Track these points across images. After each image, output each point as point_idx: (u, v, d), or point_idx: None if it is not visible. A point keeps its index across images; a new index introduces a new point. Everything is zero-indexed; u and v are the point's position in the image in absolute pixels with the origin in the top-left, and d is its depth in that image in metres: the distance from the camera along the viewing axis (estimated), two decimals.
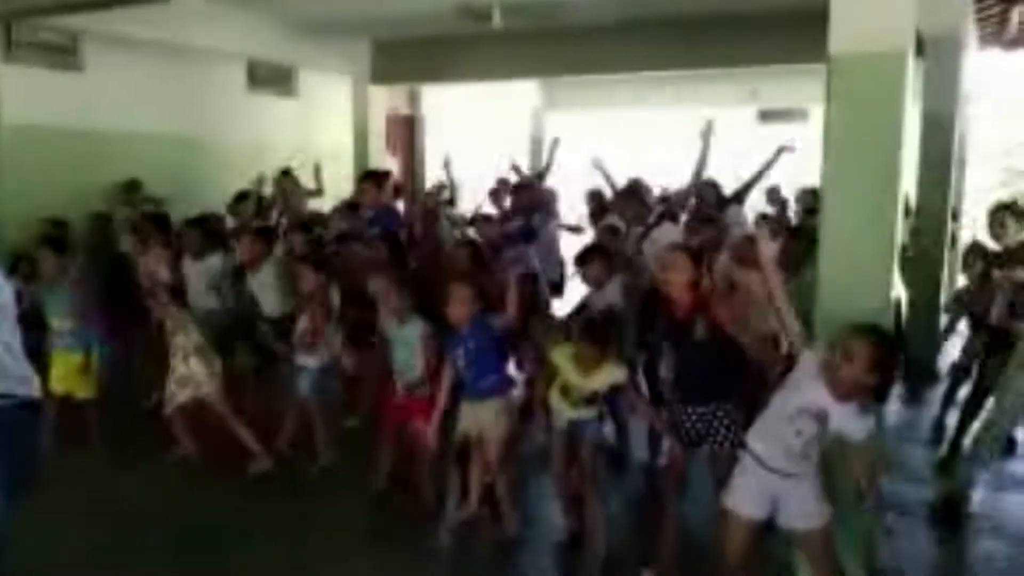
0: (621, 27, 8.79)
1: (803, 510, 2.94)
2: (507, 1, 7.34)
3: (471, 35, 9.21)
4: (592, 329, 3.68)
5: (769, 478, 2.93)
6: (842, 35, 3.47)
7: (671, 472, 3.59)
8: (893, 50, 3.40)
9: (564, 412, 3.76)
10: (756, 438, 3.01)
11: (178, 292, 4.91)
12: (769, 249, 3.14)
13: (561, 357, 3.75)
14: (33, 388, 2.67)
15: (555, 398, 3.79)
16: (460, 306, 3.89)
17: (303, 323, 4.81)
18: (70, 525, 4.13)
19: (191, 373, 4.72)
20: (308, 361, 4.80)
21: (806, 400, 2.82)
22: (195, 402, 4.77)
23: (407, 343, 4.31)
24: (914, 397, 6.09)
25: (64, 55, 8.09)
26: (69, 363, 4.93)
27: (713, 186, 6.48)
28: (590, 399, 3.71)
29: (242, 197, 7.39)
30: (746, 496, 2.98)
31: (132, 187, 8.28)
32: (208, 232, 5.82)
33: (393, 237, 5.56)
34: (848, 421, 2.80)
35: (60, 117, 7.87)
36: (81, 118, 8.09)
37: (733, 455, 3.35)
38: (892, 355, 2.84)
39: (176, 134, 9.00)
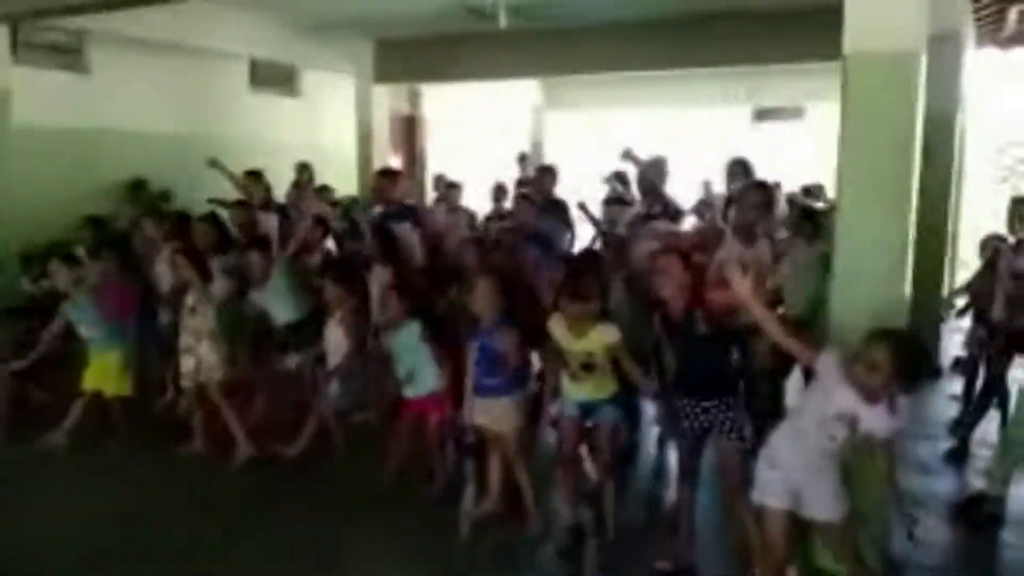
0: (621, 26, 8.85)
1: (825, 502, 3.02)
2: (511, 0, 7.38)
3: (473, 34, 9.26)
4: (567, 284, 3.78)
5: (794, 473, 3.00)
6: (856, 35, 3.53)
7: (681, 465, 3.66)
8: (906, 49, 3.46)
9: (572, 392, 3.81)
10: (784, 439, 3.07)
11: (206, 270, 4.94)
12: (744, 287, 3.12)
13: (555, 326, 3.81)
14: None
15: (563, 381, 3.84)
16: (483, 298, 3.89)
17: (332, 336, 4.80)
18: (79, 518, 4.18)
19: (202, 356, 4.79)
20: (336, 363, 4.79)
21: (839, 407, 2.88)
22: (199, 387, 4.85)
23: (410, 345, 4.31)
24: (916, 392, 6.18)
25: (70, 56, 8.13)
26: (101, 362, 5.01)
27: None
28: (588, 365, 3.73)
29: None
30: (776, 489, 3.04)
31: (138, 186, 8.32)
32: (221, 229, 5.83)
33: (388, 235, 5.57)
34: (877, 422, 2.87)
35: (67, 117, 7.91)
36: (87, 118, 8.13)
37: (738, 448, 3.48)
38: (916, 355, 2.89)
39: (180, 133, 9.03)
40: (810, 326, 4.88)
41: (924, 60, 3.51)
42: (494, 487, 4.05)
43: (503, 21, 7.54)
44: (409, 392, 4.36)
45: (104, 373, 5.02)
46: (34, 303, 6.06)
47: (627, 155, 7.27)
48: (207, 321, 4.82)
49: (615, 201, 7.24)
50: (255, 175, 7.20)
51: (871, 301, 3.50)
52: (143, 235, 6.12)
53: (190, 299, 4.86)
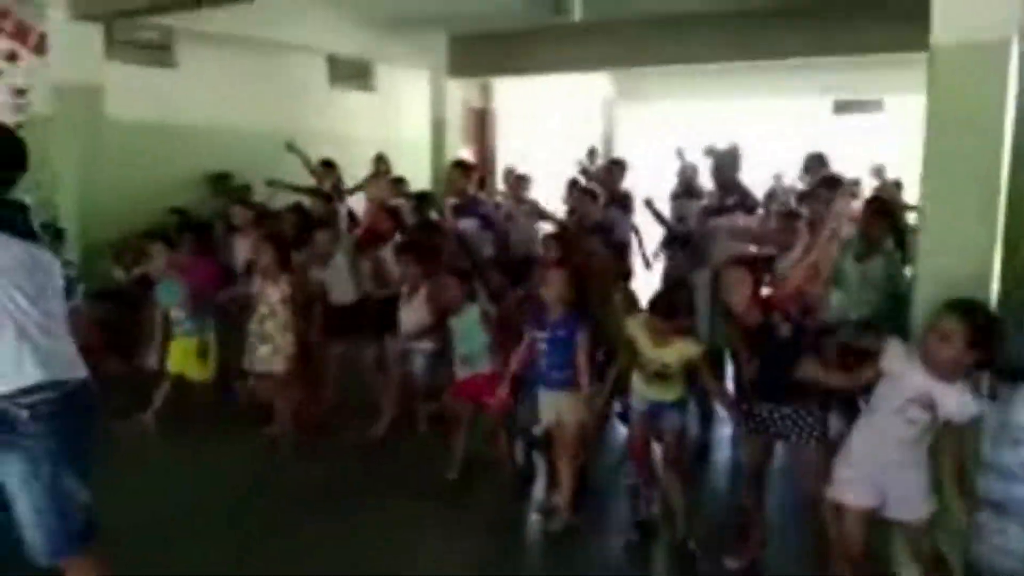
0: (695, 18, 8.75)
1: (911, 500, 2.95)
2: None
3: (546, 28, 9.28)
4: (660, 301, 3.74)
5: (876, 470, 2.95)
6: (945, 24, 3.43)
7: (750, 466, 3.64)
8: (997, 39, 3.35)
9: (642, 391, 3.79)
10: (860, 435, 3.03)
11: (287, 260, 5.02)
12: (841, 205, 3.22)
13: (635, 327, 3.79)
14: (81, 368, 2.60)
15: (635, 377, 3.82)
16: (552, 288, 3.89)
17: (412, 315, 4.90)
18: (154, 498, 4.31)
19: (279, 345, 4.88)
20: (421, 345, 4.90)
21: (913, 389, 2.83)
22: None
23: (469, 329, 4.40)
24: (1003, 395, 5.96)
25: (159, 52, 8.45)
26: (186, 348, 5.23)
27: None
28: (662, 374, 3.70)
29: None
30: (856, 487, 3.00)
31: (221, 178, 8.60)
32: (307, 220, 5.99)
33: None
34: (955, 403, 2.79)
35: (155, 112, 8.22)
36: (174, 112, 8.44)
37: (816, 449, 3.42)
38: (990, 327, 2.83)
39: (261, 127, 9.28)
40: (882, 328, 4.80)
41: (1016, 50, 3.39)
42: (565, 480, 4.03)
43: (578, 14, 7.52)
44: (465, 371, 4.44)
45: (187, 357, 5.22)
46: (120, 289, 6.34)
47: (679, 154, 7.25)
48: (283, 311, 4.89)
49: (683, 195, 7.20)
50: (329, 165, 7.45)
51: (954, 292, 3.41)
52: (227, 224, 6.34)
53: (269, 288, 4.95)
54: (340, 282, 5.34)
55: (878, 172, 9.43)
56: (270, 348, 4.89)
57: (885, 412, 2.93)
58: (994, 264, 3.48)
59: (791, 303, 3.53)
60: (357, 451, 4.90)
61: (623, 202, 7.02)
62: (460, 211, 5.92)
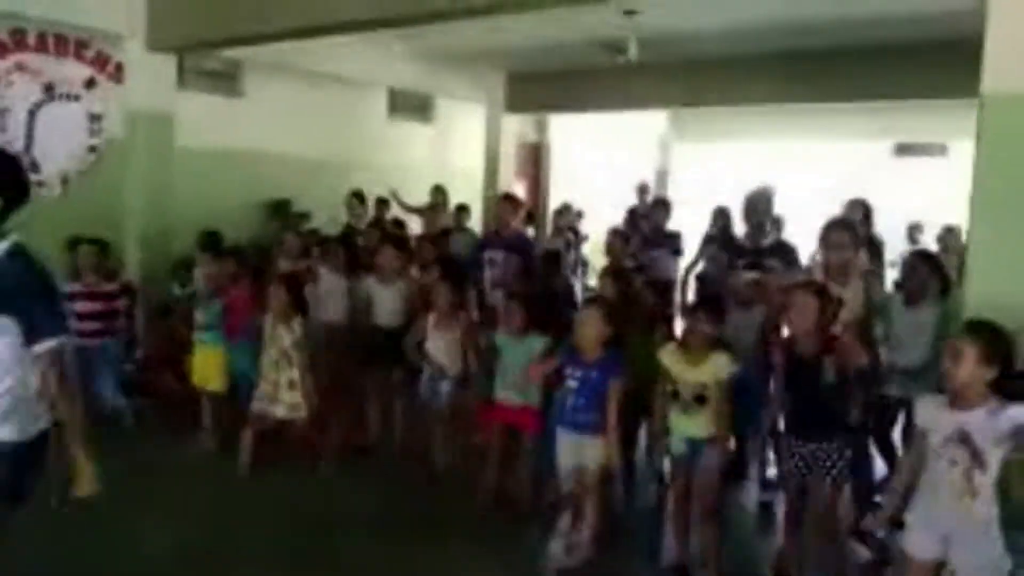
0: (753, 59, 8.78)
1: (976, 560, 2.81)
2: (643, 34, 7.47)
3: (603, 67, 9.41)
4: (702, 304, 3.83)
5: (940, 523, 2.86)
6: (995, 75, 3.44)
7: (788, 506, 3.67)
8: None
9: (681, 427, 3.75)
10: (920, 494, 2.94)
11: (300, 297, 4.95)
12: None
13: (666, 355, 3.81)
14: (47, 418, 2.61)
15: (672, 415, 3.78)
16: (589, 328, 3.79)
17: (443, 342, 4.91)
18: (169, 516, 4.38)
19: (283, 395, 4.82)
20: (445, 371, 4.92)
21: (943, 428, 2.81)
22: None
23: (521, 355, 4.37)
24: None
25: (227, 82, 8.81)
26: (207, 357, 5.38)
27: None
28: (701, 398, 3.68)
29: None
30: (919, 537, 2.92)
31: (281, 206, 8.88)
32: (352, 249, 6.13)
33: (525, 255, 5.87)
34: (986, 427, 2.72)
35: (223, 140, 8.57)
36: (241, 140, 8.77)
37: (835, 491, 3.50)
38: (1000, 341, 2.79)
39: (322, 157, 9.58)
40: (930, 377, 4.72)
41: None
42: (590, 515, 3.93)
43: (634, 54, 7.63)
44: (511, 397, 4.40)
45: (207, 368, 5.35)
46: (177, 305, 6.56)
47: (718, 215, 7.30)
48: (297, 355, 4.80)
49: (711, 240, 7.17)
50: (358, 196, 7.81)
51: None
52: (284, 250, 6.53)
53: (281, 330, 4.82)
54: (386, 305, 5.42)
55: (913, 230, 9.20)
56: (289, 397, 4.82)
57: (929, 463, 2.89)
58: None
59: (854, 353, 3.48)
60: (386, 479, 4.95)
61: (669, 241, 7.05)
62: (491, 242, 6.11)
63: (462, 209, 8.54)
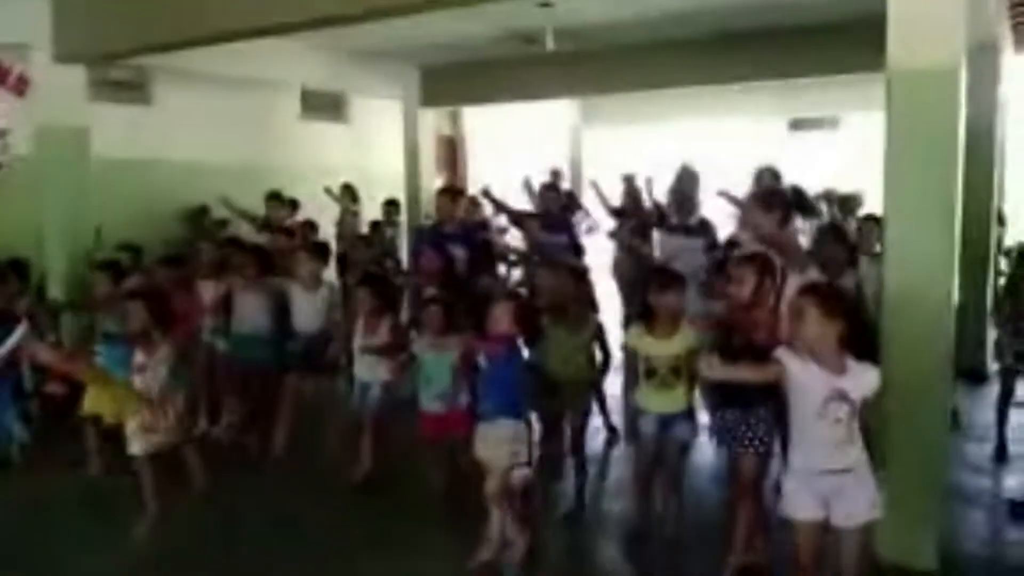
0: (658, 46, 9.05)
1: (853, 508, 2.94)
2: (558, 25, 7.63)
3: (513, 58, 9.56)
4: (660, 276, 3.90)
5: (820, 480, 2.95)
6: (899, 52, 3.72)
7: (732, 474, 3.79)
8: (948, 65, 3.65)
9: (654, 404, 3.82)
10: (798, 452, 3.02)
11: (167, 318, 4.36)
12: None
13: (634, 337, 3.89)
14: None
15: (643, 395, 3.86)
16: (498, 324, 3.83)
17: (370, 339, 4.82)
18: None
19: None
20: (374, 377, 4.84)
21: (823, 388, 2.88)
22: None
23: (441, 362, 4.34)
24: (967, 397, 6.32)
25: (135, 91, 8.57)
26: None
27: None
28: (676, 368, 3.77)
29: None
30: (800, 501, 2.99)
31: (199, 214, 8.71)
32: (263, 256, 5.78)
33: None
34: (863, 382, 2.90)
35: (134, 149, 8.34)
36: (152, 149, 8.56)
37: (757, 459, 3.55)
38: (840, 298, 2.98)
39: (235, 162, 9.42)
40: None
41: (964, 74, 3.69)
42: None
43: (551, 45, 7.78)
44: (435, 406, 4.37)
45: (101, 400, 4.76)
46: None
47: (626, 179, 7.48)
48: (157, 378, 4.23)
49: (622, 214, 7.44)
50: (277, 198, 7.60)
51: (920, 312, 3.68)
52: (199, 259, 6.18)
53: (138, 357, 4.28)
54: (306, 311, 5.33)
55: (827, 196, 9.70)
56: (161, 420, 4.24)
57: (807, 423, 2.94)
58: (954, 274, 3.77)
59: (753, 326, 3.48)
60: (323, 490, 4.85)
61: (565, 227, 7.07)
62: (448, 237, 5.91)
63: (391, 204, 8.54)
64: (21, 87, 7.35)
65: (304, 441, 5.40)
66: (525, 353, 4.07)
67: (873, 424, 3.10)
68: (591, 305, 4.91)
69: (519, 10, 7.06)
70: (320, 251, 5.81)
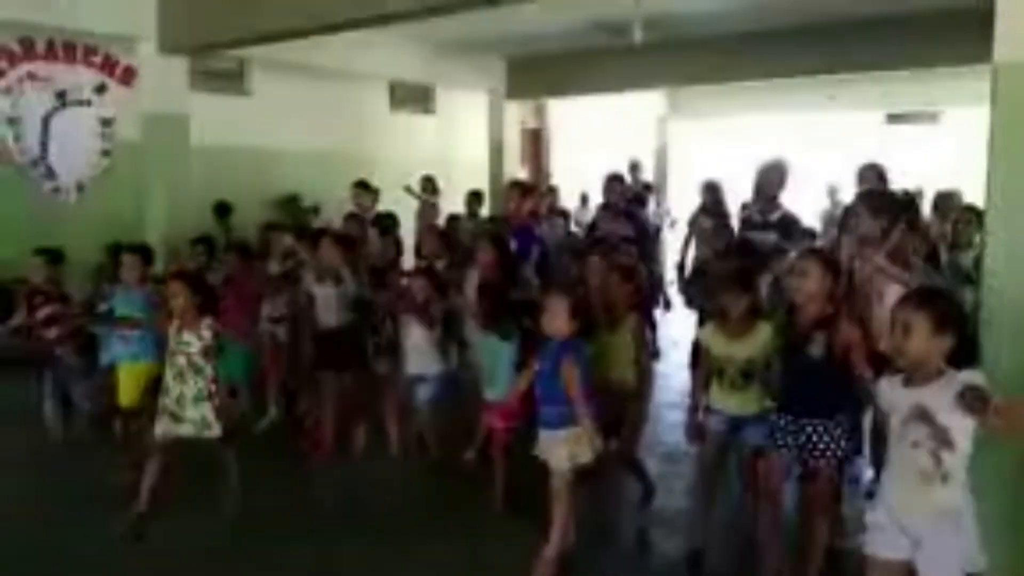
0: (749, 36, 8.90)
1: (942, 557, 2.47)
2: (647, 15, 7.56)
3: (600, 49, 9.51)
4: (737, 275, 3.60)
5: (905, 516, 2.53)
6: (1007, 44, 3.56)
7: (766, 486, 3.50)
8: None
9: (723, 403, 3.60)
10: (887, 483, 2.63)
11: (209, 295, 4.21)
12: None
13: (706, 333, 3.68)
14: None
15: (714, 393, 3.66)
16: (554, 319, 3.51)
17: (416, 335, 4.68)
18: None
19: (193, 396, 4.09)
20: (429, 370, 4.70)
21: (900, 408, 2.53)
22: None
23: (495, 352, 4.24)
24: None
25: (234, 81, 8.90)
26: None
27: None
28: (748, 373, 3.52)
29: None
30: (882, 536, 2.58)
31: (291, 200, 8.99)
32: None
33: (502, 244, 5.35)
34: (945, 397, 2.37)
35: (232, 137, 8.68)
36: (248, 137, 8.88)
37: (831, 474, 3.26)
38: (952, 310, 2.54)
39: (327, 150, 9.68)
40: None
41: None
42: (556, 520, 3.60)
43: (638, 36, 7.71)
44: (489, 395, 4.28)
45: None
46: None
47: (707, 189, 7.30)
48: (207, 364, 4.08)
49: (705, 213, 7.13)
50: (364, 186, 7.42)
51: (1022, 313, 3.52)
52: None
53: (186, 335, 4.08)
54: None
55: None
56: (195, 412, 4.05)
57: (894, 448, 2.57)
58: None
59: (854, 340, 3.15)
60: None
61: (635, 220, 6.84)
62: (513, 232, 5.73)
63: (475, 195, 8.60)
64: (128, 78, 7.72)
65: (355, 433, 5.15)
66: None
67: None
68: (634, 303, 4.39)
69: (607, 1, 7.03)
70: (342, 241, 5.26)
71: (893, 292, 3.35)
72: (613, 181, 6.82)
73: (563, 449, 3.48)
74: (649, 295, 6.58)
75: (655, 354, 4.31)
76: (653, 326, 6.43)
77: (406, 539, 4.01)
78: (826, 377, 3.20)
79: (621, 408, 3.98)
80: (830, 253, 3.83)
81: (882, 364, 3.01)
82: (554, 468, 3.51)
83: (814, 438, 3.26)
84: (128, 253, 4.84)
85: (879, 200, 4.00)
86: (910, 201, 4.16)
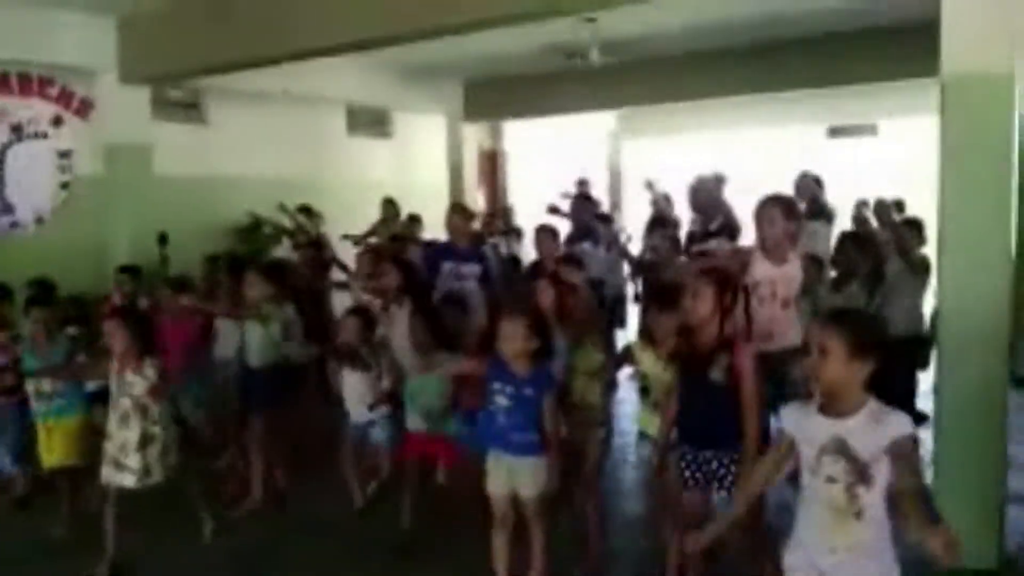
0: (698, 56, 9.18)
1: None
2: (603, 38, 7.76)
3: (556, 71, 9.71)
4: (665, 293, 3.55)
5: (819, 554, 2.35)
6: (952, 59, 3.78)
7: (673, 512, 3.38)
8: (1001, 70, 3.70)
9: (653, 427, 3.56)
10: (801, 519, 2.44)
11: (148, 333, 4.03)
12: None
13: (641, 352, 3.68)
14: None
15: (642, 415, 3.70)
16: (511, 342, 3.35)
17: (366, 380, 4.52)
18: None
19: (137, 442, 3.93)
20: (374, 414, 4.54)
21: (815, 439, 2.31)
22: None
23: (429, 378, 4.11)
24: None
25: (190, 110, 8.87)
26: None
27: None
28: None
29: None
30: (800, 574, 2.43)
31: (254, 229, 8.95)
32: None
33: (408, 265, 5.26)
34: (870, 435, 2.21)
35: (191, 166, 8.63)
36: (207, 166, 8.84)
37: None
38: (875, 330, 2.41)
39: (286, 177, 9.66)
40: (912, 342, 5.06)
41: (1016, 80, 3.74)
42: (536, 557, 3.54)
43: (596, 58, 7.89)
44: (423, 426, 4.16)
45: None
46: None
47: (649, 186, 7.49)
48: (152, 404, 3.93)
49: (656, 225, 7.34)
50: (307, 211, 7.55)
51: (974, 318, 3.72)
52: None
53: (129, 377, 3.92)
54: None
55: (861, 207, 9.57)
56: (137, 460, 3.88)
57: (807, 480, 2.36)
58: (1008, 276, 3.80)
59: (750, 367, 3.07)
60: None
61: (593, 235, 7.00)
62: (460, 255, 5.66)
63: (413, 219, 8.63)
64: (84, 110, 7.66)
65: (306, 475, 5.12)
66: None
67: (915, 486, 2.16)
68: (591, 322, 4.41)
69: (563, 25, 7.20)
70: (271, 273, 5.00)
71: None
72: (585, 201, 6.98)
73: (531, 476, 3.41)
74: (609, 318, 6.73)
75: (611, 384, 4.14)
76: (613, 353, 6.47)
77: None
78: (730, 403, 3.05)
79: (583, 435, 3.79)
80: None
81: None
82: (524, 496, 3.42)
83: (720, 472, 3.11)
84: (36, 307, 4.44)
85: (792, 206, 4.16)
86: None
